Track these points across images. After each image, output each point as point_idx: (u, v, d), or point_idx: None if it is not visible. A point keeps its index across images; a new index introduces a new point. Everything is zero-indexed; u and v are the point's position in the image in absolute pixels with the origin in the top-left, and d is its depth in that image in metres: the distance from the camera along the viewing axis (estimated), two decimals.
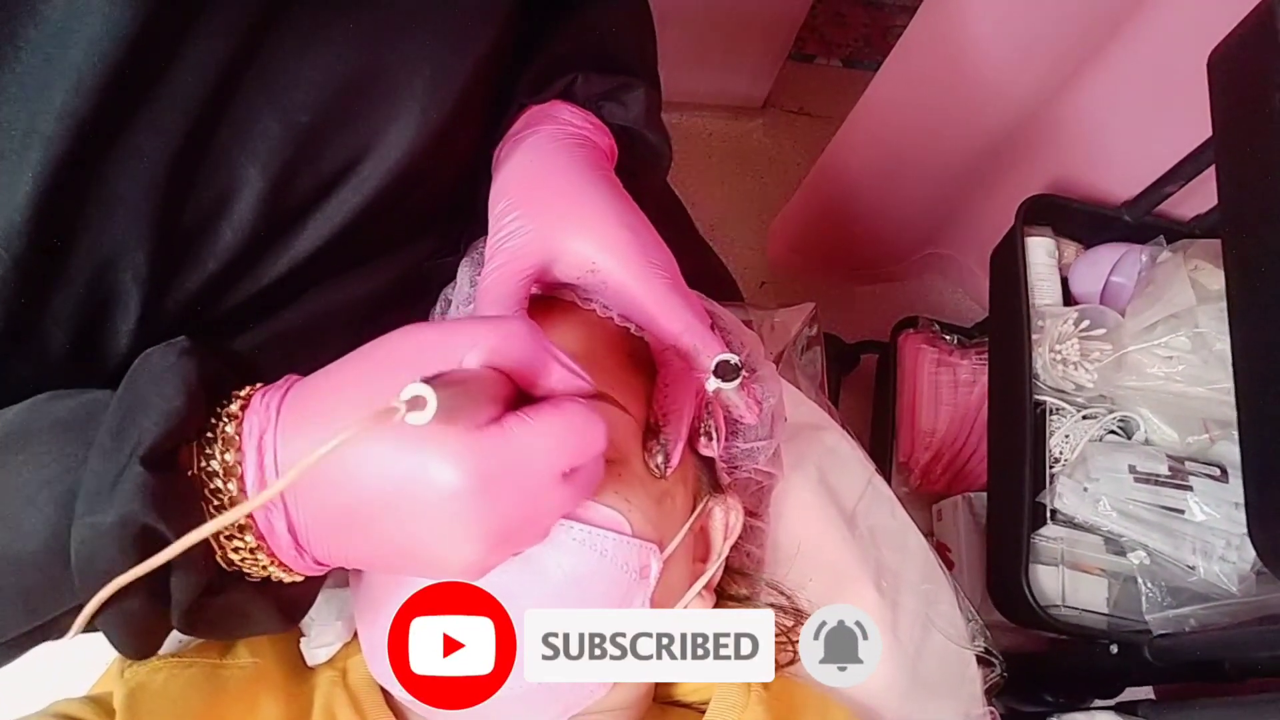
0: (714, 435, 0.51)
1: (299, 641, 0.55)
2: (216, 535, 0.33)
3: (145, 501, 0.32)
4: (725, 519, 0.54)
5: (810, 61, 2.05)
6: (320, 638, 0.53)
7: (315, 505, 0.34)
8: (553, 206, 0.47)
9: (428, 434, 0.32)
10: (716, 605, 0.55)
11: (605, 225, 0.46)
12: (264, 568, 0.36)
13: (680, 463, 0.49)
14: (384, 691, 0.51)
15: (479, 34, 0.45)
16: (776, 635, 0.58)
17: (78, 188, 0.36)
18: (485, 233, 0.51)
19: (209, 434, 0.35)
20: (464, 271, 0.55)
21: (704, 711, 0.54)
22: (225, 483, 0.34)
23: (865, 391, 1.64)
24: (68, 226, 0.36)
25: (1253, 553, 0.92)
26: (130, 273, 0.40)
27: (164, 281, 0.41)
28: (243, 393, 0.36)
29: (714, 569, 0.53)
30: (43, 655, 0.57)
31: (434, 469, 0.32)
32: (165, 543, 0.32)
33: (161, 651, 0.48)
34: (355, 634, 0.53)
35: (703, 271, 0.83)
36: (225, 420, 0.35)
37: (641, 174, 0.57)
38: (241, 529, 0.34)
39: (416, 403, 0.29)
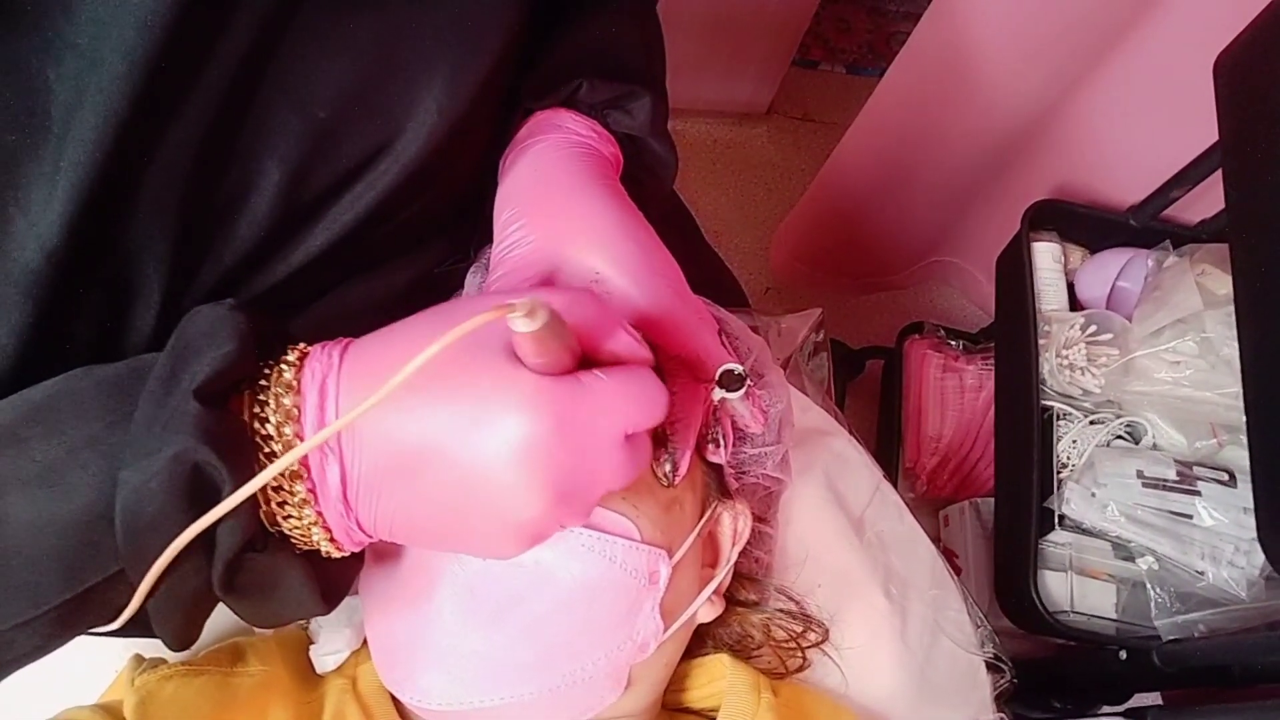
0: (721, 442, 0.51)
1: (308, 649, 0.55)
2: (265, 487, 0.33)
3: (199, 436, 0.31)
4: (734, 524, 0.54)
5: (814, 68, 2.05)
6: (329, 644, 0.53)
7: (373, 452, 0.33)
8: (556, 216, 0.47)
9: (500, 376, 0.32)
10: (725, 611, 0.55)
11: (608, 235, 0.46)
12: (307, 529, 0.35)
13: (688, 470, 0.49)
14: (394, 699, 0.51)
15: (494, 33, 0.45)
16: (786, 641, 0.58)
17: (113, 183, 0.36)
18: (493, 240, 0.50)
19: (262, 382, 0.34)
20: (472, 279, 0.56)
21: (713, 718, 0.54)
22: (281, 427, 0.33)
23: (871, 397, 1.64)
24: (101, 221, 0.36)
25: (1262, 558, 0.92)
26: (153, 265, 0.40)
27: (184, 274, 0.41)
28: (299, 346, 0.36)
29: (723, 574, 0.53)
30: (49, 662, 0.58)
31: (505, 412, 0.32)
32: (217, 487, 0.31)
33: (172, 660, 0.49)
34: (365, 641, 0.53)
35: (709, 278, 0.83)
36: (284, 367, 0.34)
37: (646, 182, 0.57)
38: (294, 477, 0.33)
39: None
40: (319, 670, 0.54)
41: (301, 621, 0.57)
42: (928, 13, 1.19)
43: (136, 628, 0.37)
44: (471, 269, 0.56)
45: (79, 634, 0.36)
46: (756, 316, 0.80)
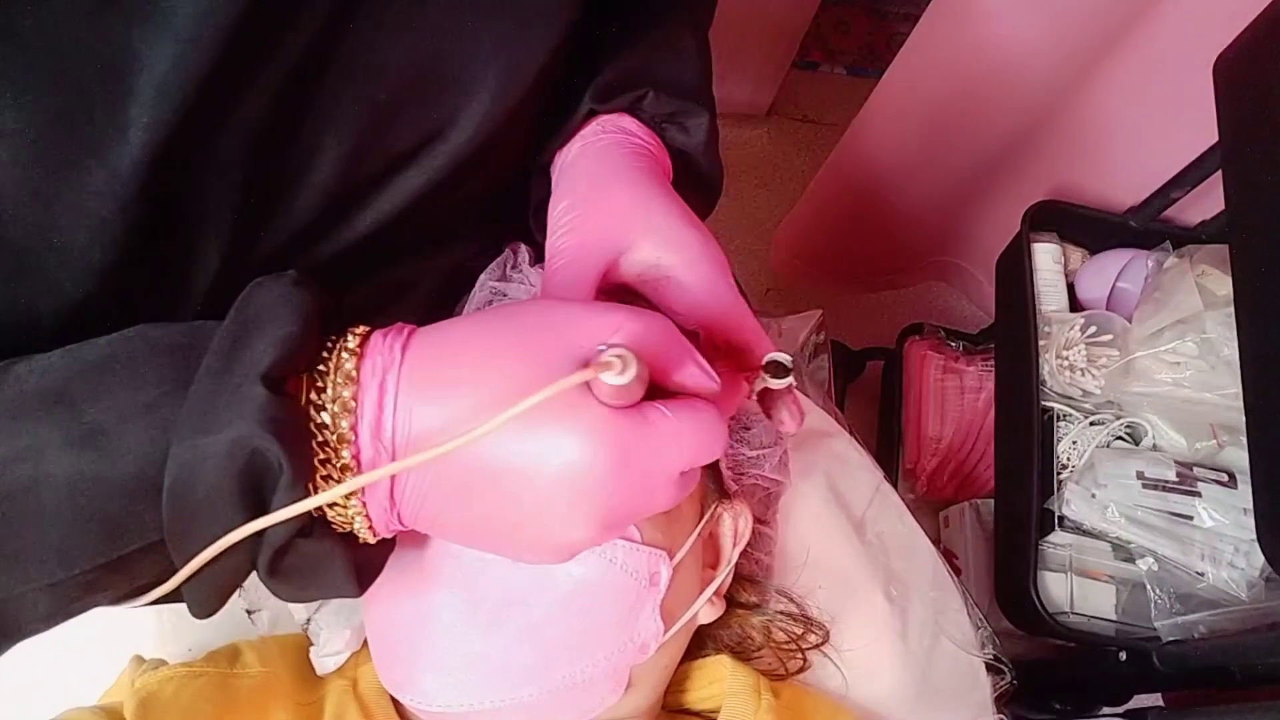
0: None
1: (308, 651, 0.55)
2: (315, 474, 0.32)
3: (263, 423, 0.30)
4: (734, 525, 0.54)
5: (814, 69, 2.05)
6: (329, 646, 0.53)
7: (428, 466, 0.33)
8: (617, 205, 0.47)
9: (568, 403, 0.32)
10: (725, 612, 0.55)
11: (669, 223, 0.46)
12: (350, 517, 0.34)
13: None
14: (394, 700, 0.51)
15: (550, 29, 0.46)
16: (786, 643, 0.59)
17: (185, 146, 0.36)
18: (523, 236, 0.49)
19: (321, 367, 0.34)
20: (484, 280, 0.56)
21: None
22: (337, 419, 0.33)
23: (871, 398, 1.64)
24: (172, 180, 0.37)
25: (1261, 559, 0.92)
26: (213, 233, 0.40)
27: (241, 244, 0.42)
28: (359, 330, 0.35)
29: (723, 575, 0.53)
30: (49, 665, 0.58)
31: (570, 441, 0.32)
32: (273, 472, 0.31)
33: (172, 662, 0.49)
34: (365, 643, 0.54)
35: None
36: (344, 355, 0.34)
37: (691, 202, 0.57)
38: (344, 469, 0.33)
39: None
40: (319, 672, 0.54)
41: (302, 623, 0.57)
42: (927, 14, 1.19)
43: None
44: (485, 272, 0.56)
45: (103, 603, 0.35)
46: (757, 318, 0.81)
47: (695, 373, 0.36)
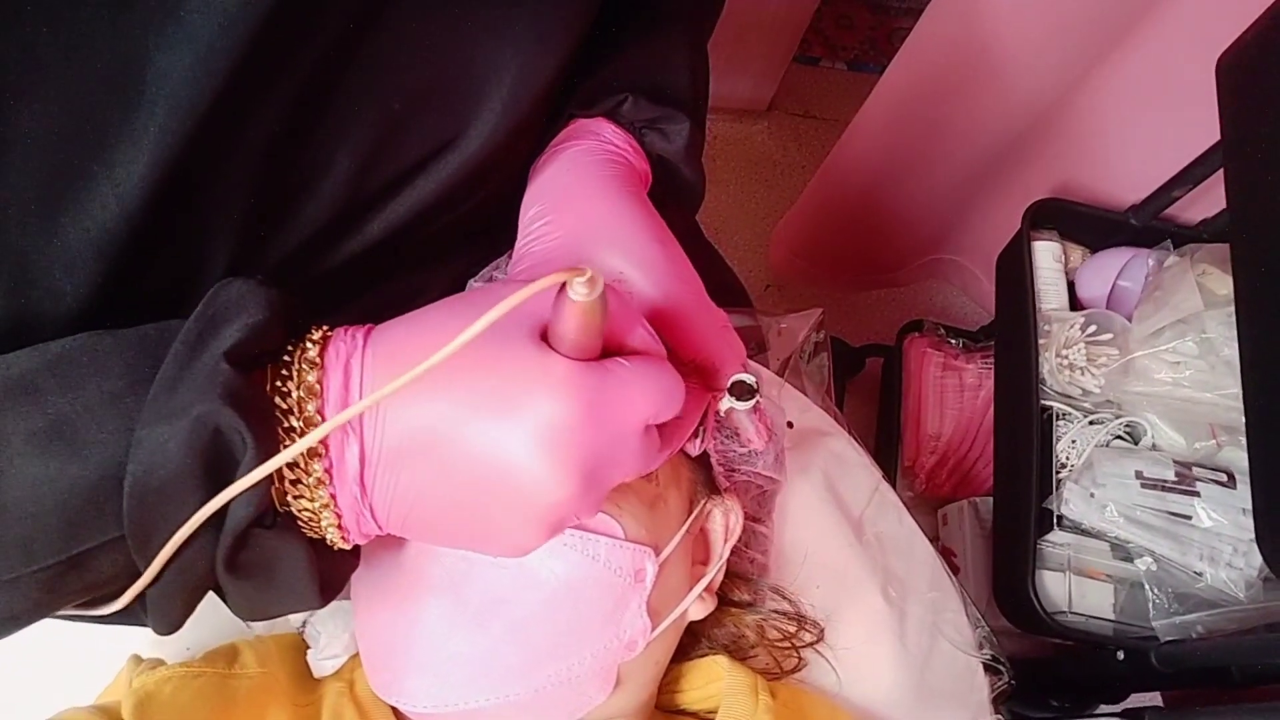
0: (698, 434, 0.51)
1: (306, 653, 0.55)
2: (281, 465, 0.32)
3: (226, 398, 0.30)
4: (725, 521, 0.54)
5: (815, 64, 2.05)
6: (328, 649, 0.53)
7: (396, 433, 0.33)
8: (584, 216, 0.47)
9: (530, 359, 0.32)
10: (719, 610, 0.55)
11: (635, 237, 0.45)
12: (318, 511, 0.34)
13: (670, 465, 0.50)
14: None
15: (562, 39, 0.46)
16: (780, 641, 0.58)
17: (197, 155, 0.36)
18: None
19: (285, 357, 0.34)
20: (470, 284, 0.56)
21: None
22: (303, 403, 0.33)
23: (870, 395, 1.64)
24: (181, 190, 0.36)
25: (1260, 559, 0.92)
26: (221, 240, 0.40)
27: (249, 253, 0.42)
28: (322, 327, 0.36)
29: (714, 571, 0.53)
30: (48, 664, 0.58)
31: (537, 395, 0.32)
32: (235, 455, 0.31)
33: (170, 661, 0.49)
34: None
35: (711, 279, 0.82)
36: (308, 344, 0.34)
37: (670, 207, 0.57)
38: (312, 455, 0.33)
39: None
40: (317, 674, 0.54)
41: (298, 626, 0.57)
42: (929, 9, 1.19)
43: (120, 614, 0.37)
44: (471, 281, 0.56)
45: (63, 606, 0.35)
46: (757, 316, 0.80)
47: (643, 335, 0.37)
